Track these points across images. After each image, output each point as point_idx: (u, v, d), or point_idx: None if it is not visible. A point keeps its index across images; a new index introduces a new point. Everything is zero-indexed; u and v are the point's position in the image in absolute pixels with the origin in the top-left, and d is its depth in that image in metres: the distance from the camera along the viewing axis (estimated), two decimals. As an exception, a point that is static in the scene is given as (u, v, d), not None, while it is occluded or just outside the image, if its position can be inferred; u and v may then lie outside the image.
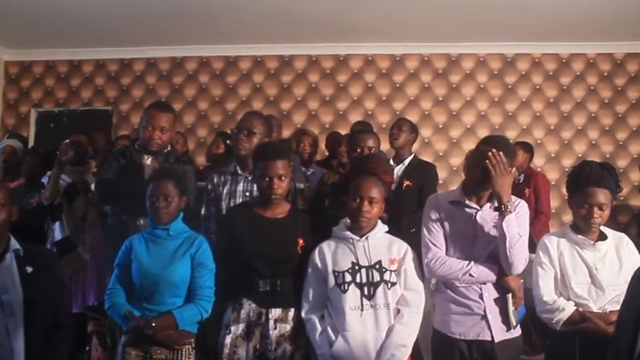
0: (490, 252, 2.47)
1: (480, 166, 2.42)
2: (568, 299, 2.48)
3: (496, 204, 2.43)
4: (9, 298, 2.14)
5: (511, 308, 2.44)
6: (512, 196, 2.59)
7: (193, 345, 2.55)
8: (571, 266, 2.49)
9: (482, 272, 2.45)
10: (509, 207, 2.38)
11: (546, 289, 2.49)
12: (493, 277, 2.46)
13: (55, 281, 2.32)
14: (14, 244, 2.22)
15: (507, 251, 2.38)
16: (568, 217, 2.64)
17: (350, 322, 2.39)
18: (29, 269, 2.21)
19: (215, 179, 3.03)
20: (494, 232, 2.47)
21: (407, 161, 3.82)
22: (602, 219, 2.47)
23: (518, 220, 2.46)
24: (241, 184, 2.98)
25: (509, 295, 2.45)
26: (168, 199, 2.58)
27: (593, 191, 2.43)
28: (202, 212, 3.01)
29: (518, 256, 2.40)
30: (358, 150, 3.21)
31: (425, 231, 2.56)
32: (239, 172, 3.00)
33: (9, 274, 2.17)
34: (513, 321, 2.45)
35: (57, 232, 3.95)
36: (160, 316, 2.48)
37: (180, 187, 2.64)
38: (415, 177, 3.63)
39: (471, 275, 2.45)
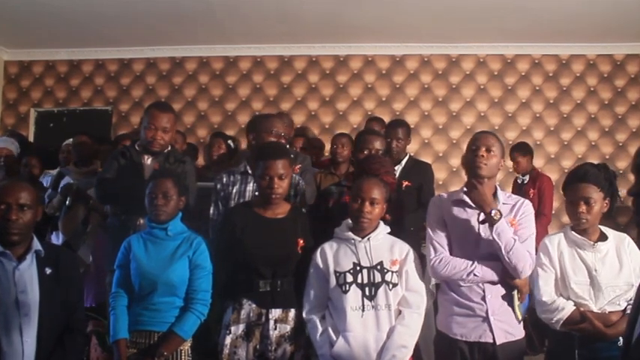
0: (494, 251, 2.45)
1: (470, 155, 2.46)
2: (568, 299, 2.48)
3: (482, 216, 2.43)
4: (26, 298, 2.15)
5: (517, 304, 2.44)
6: (515, 196, 2.61)
7: (191, 345, 2.54)
8: (571, 267, 2.49)
9: (487, 272, 2.44)
10: (493, 215, 2.38)
11: (546, 290, 2.49)
12: (496, 276, 2.45)
13: (72, 285, 2.32)
14: (36, 244, 2.23)
15: (506, 257, 2.38)
16: (567, 219, 2.64)
17: (351, 323, 2.38)
18: (48, 271, 2.22)
19: (224, 179, 3.01)
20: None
21: (403, 162, 3.82)
22: (589, 214, 2.46)
23: (522, 220, 2.47)
24: (251, 184, 2.96)
25: (515, 292, 2.45)
26: (167, 197, 2.58)
27: (578, 186, 2.47)
28: (210, 212, 2.99)
29: (520, 259, 2.39)
30: (365, 152, 3.19)
31: (429, 232, 2.55)
32: (249, 171, 2.98)
33: (28, 275, 2.18)
34: (519, 316, 2.45)
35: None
36: (167, 342, 2.47)
37: (178, 186, 2.64)
38: (413, 177, 3.64)
39: (475, 275, 2.43)
